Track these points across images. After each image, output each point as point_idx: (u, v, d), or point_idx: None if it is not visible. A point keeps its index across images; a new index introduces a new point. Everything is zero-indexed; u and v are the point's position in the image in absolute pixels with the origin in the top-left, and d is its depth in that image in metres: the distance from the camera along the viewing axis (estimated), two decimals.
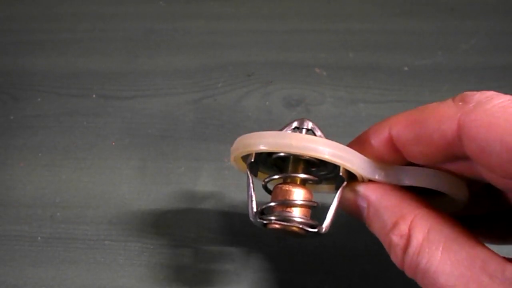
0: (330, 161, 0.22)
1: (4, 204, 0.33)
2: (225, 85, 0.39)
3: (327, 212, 0.23)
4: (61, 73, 0.40)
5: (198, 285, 0.30)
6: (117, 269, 0.30)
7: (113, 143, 0.36)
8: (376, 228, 0.22)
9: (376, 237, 0.28)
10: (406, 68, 0.40)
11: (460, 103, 0.20)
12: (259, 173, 0.26)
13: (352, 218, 0.24)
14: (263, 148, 0.23)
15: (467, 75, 0.39)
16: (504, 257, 0.19)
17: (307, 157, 0.23)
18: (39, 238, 0.31)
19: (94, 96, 0.38)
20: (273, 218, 0.23)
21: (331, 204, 0.23)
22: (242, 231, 0.31)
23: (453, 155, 0.21)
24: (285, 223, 0.23)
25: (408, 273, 0.21)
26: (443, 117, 0.20)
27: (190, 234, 0.31)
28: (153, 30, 0.43)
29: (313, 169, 0.25)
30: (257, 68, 0.40)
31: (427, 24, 0.43)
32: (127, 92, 0.39)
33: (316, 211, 0.24)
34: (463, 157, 0.20)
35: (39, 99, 0.38)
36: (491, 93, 0.20)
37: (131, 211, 0.32)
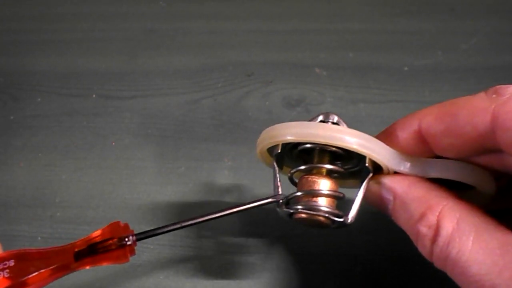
0: (356, 151, 0.22)
1: (4, 204, 0.33)
2: (225, 85, 0.39)
3: (352, 205, 0.23)
4: (61, 73, 0.40)
5: (198, 284, 0.30)
6: (117, 269, 0.30)
7: (113, 143, 0.36)
8: (402, 220, 0.22)
9: (376, 237, 0.28)
10: (406, 68, 0.40)
11: (494, 96, 0.20)
12: (284, 168, 0.26)
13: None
14: (290, 138, 0.23)
15: (467, 75, 0.39)
16: None
17: (333, 149, 0.23)
18: (39, 238, 0.31)
19: (94, 96, 0.38)
20: (299, 207, 0.23)
21: (355, 196, 0.23)
22: (242, 231, 0.31)
23: (483, 147, 0.20)
24: (312, 212, 0.23)
25: (437, 264, 0.21)
26: (476, 109, 0.20)
27: (190, 234, 0.31)
28: (153, 30, 0.43)
29: (338, 162, 0.25)
30: (257, 68, 0.40)
31: (427, 24, 0.43)
32: (127, 92, 0.39)
33: (341, 203, 0.24)
34: (493, 150, 0.20)
35: (39, 99, 0.38)
36: None
37: (131, 211, 0.32)
